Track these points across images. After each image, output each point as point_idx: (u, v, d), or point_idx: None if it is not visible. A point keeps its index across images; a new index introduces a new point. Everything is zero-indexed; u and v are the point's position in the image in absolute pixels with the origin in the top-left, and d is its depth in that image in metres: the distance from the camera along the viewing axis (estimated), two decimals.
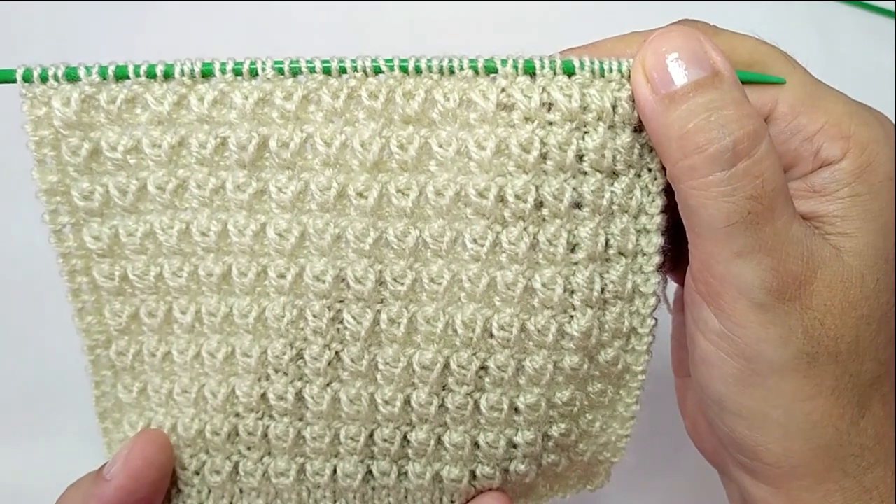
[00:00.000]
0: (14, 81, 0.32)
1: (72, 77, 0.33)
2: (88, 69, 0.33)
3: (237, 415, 0.36)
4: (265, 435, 0.37)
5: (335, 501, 0.38)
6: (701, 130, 0.31)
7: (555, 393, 0.37)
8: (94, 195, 0.34)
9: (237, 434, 0.37)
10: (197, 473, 0.37)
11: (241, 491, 0.38)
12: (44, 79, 0.33)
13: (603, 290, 0.35)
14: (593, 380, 0.37)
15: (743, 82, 0.32)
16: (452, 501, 0.39)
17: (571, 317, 0.35)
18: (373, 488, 0.38)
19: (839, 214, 0.33)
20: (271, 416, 0.36)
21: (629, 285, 0.36)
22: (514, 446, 0.37)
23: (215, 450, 0.37)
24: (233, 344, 0.36)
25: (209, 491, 0.38)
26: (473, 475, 0.38)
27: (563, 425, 0.38)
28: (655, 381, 0.40)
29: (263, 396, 0.36)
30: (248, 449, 0.37)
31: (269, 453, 0.37)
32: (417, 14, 0.60)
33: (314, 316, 0.35)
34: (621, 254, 0.36)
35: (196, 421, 0.37)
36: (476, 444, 0.37)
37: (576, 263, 0.35)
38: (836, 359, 0.33)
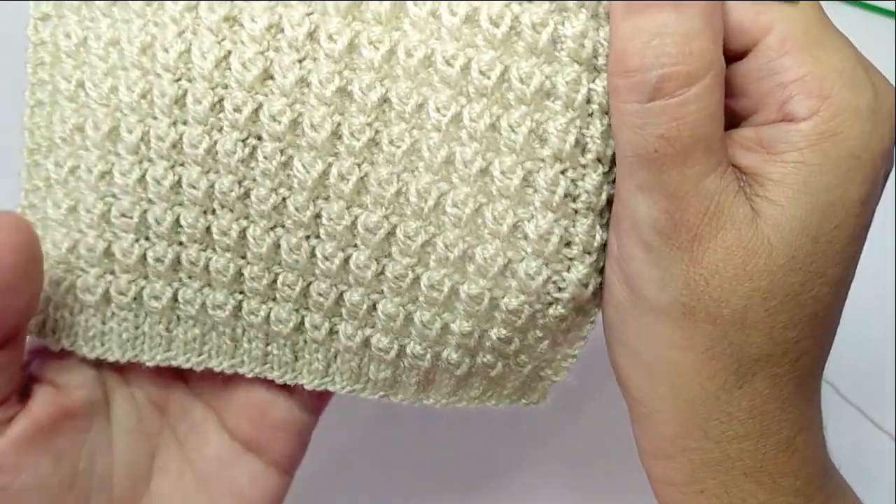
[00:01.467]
0: None
1: None
2: None
3: (181, 243, 0.37)
4: (206, 267, 0.37)
5: (266, 344, 0.39)
6: (636, 54, 0.29)
7: (503, 295, 0.35)
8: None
9: (179, 263, 0.37)
10: (136, 299, 0.38)
11: (178, 318, 0.38)
12: None
13: (575, 198, 0.34)
14: (557, 303, 0.35)
15: None
16: (379, 374, 0.39)
17: (532, 215, 0.34)
18: (304, 341, 0.39)
19: (775, 179, 0.30)
20: (214, 250, 0.37)
21: (604, 196, 0.34)
22: (450, 333, 0.36)
23: (157, 276, 0.37)
24: (180, 173, 0.35)
25: (146, 315, 0.38)
26: (403, 350, 0.37)
27: (504, 331, 0.36)
28: None
29: (208, 230, 0.36)
30: (189, 278, 0.37)
31: (209, 285, 0.38)
32: None
33: (265, 157, 0.35)
34: (598, 160, 0.33)
35: (136, 246, 0.37)
36: (410, 319, 0.36)
37: (542, 160, 0.33)
38: (714, 321, 0.31)
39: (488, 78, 0.32)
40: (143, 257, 0.37)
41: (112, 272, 0.37)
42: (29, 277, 0.34)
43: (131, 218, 0.36)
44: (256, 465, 0.40)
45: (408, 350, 0.37)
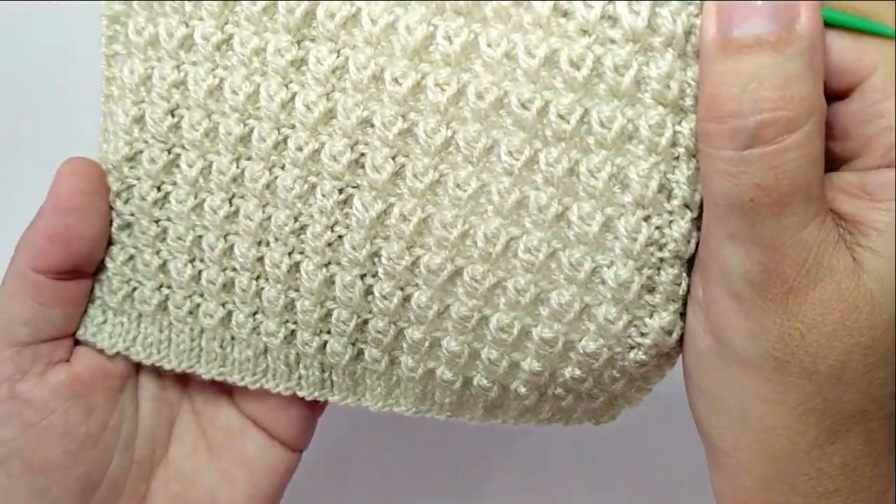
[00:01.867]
0: None
1: None
2: None
3: (234, 269, 0.37)
4: (258, 295, 0.37)
5: (323, 371, 0.39)
6: (731, 99, 0.27)
7: (580, 339, 0.33)
8: (145, 32, 0.35)
9: (232, 287, 0.37)
10: (191, 314, 0.38)
11: (232, 338, 0.39)
12: None
13: (662, 246, 0.32)
14: (636, 349, 0.33)
15: (847, 26, 0.28)
16: (445, 398, 0.38)
17: (611, 262, 0.32)
18: (363, 370, 0.38)
19: (879, 228, 0.28)
20: (266, 280, 0.37)
21: (693, 244, 0.32)
22: (519, 370, 0.35)
23: (210, 296, 0.38)
24: (237, 204, 0.36)
25: (201, 331, 0.39)
26: (469, 382, 0.36)
27: (578, 371, 0.34)
28: None
29: (260, 260, 0.36)
30: (242, 303, 0.37)
31: (262, 312, 0.37)
32: None
33: (323, 195, 0.34)
34: (686, 206, 0.31)
35: (189, 267, 0.37)
36: (476, 356, 0.35)
37: (623, 206, 0.31)
38: (809, 377, 0.29)
39: (567, 122, 0.31)
40: (197, 277, 0.37)
41: (168, 286, 0.38)
42: (95, 206, 0.36)
43: (185, 241, 0.37)
44: (263, 439, 0.41)
45: (474, 382, 0.36)
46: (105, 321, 0.39)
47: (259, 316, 0.37)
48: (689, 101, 0.30)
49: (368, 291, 0.35)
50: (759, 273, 0.28)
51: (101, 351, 0.39)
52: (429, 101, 0.32)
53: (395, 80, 0.32)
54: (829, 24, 0.28)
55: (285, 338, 0.37)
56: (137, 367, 0.40)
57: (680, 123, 0.31)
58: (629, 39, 0.30)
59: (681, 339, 0.34)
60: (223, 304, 0.38)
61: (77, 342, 0.38)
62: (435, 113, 0.32)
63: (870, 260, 0.28)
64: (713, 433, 0.33)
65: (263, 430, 0.41)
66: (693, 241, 0.32)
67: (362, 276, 0.35)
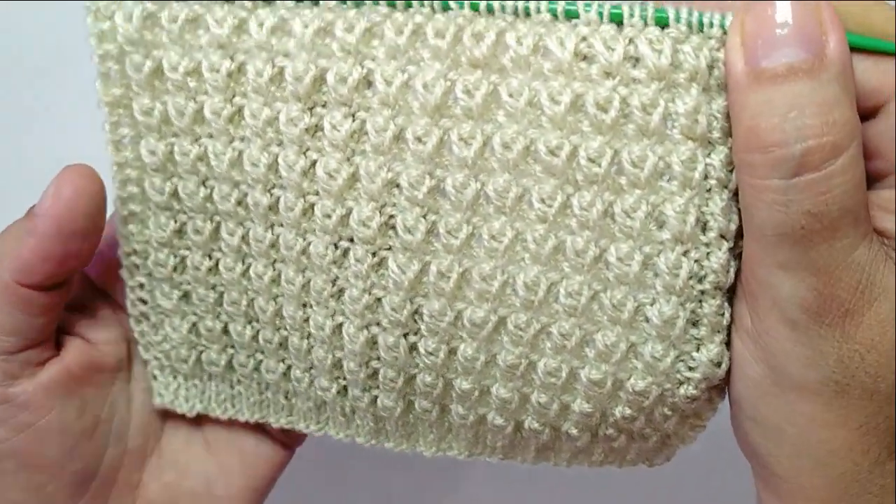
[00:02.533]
0: None
1: None
2: None
3: (286, 329, 0.37)
4: (309, 352, 0.37)
5: (377, 422, 0.39)
6: (773, 129, 0.27)
7: (629, 377, 0.33)
8: (154, 112, 0.34)
9: (287, 346, 0.38)
10: (256, 370, 0.39)
11: (293, 390, 0.39)
12: None
13: (701, 279, 0.31)
14: (687, 383, 0.33)
15: (870, 49, 0.28)
16: (497, 442, 0.38)
17: (653, 300, 0.32)
18: (415, 419, 0.38)
19: None
20: (314, 339, 0.37)
21: (731, 273, 0.32)
22: (569, 412, 0.35)
23: (270, 354, 0.38)
24: (279, 269, 0.36)
25: (267, 385, 0.40)
26: (520, 425, 0.36)
27: (629, 411, 0.34)
28: None
29: (307, 321, 0.36)
30: (297, 360, 0.38)
31: (314, 368, 0.38)
32: None
33: (356, 260, 0.34)
34: (722, 237, 0.31)
35: (248, 328, 0.38)
36: (526, 400, 0.35)
37: (661, 243, 0.31)
38: (871, 397, 0.29)
39: (598, 165, 0.30)
40: (256, 336, 0.38)
41: (232, 346, 0.39)
42: (97, 225, 0.35)
43: (240, 305, 0.37)
44: (260, 434, 0.43)
45: (525, 425, 0.36)
46: (178, 386, 0.40)
47: (313, 371, 0.38)
48: (716, 134, 0.30)
49: (413, 349, 0.35)
50: (814, 300, 0.28)
51: (92, 344, 0.38)
52: (454, 156, 0.32)
53: (419, 139, 0.32)
54: (851, 49, 0.28)
55: (338, 392, 0.38)
56: (129, 357, 0.40)
57: (709, 156, 0.31)
58: (654, 78, 0.29)
59: (729, 370, 0.33)
60: (282, 361, 0.39)
61: (63, 332, 0.38)
62: (462, 167, 0.32)
63: None
64: (770, 460, 0.32)
65: (260, 425, 0.42)
66: (731, 270, 0.32)
67: (405, 335, 0.35)
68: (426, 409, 0.37)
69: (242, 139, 0.34)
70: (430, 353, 0.34)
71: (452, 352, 0.35)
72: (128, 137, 0.35)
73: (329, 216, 0.33)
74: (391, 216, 0.33)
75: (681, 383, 0.33)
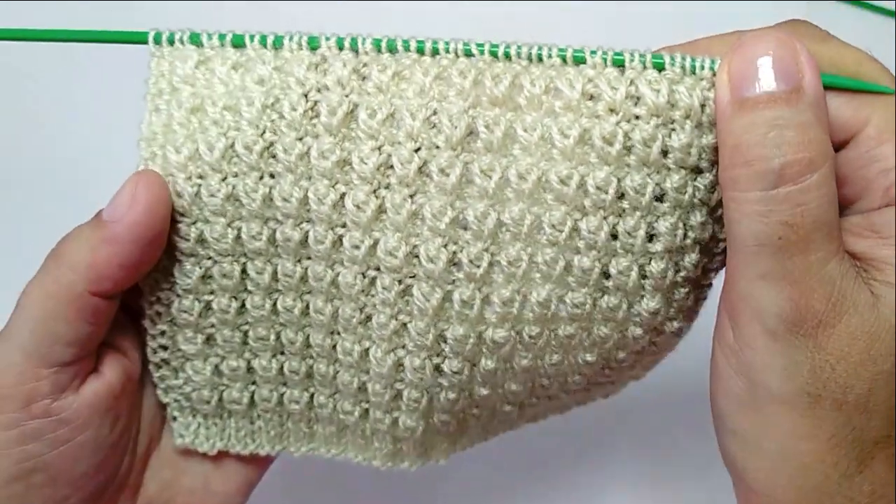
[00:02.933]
0: (145, 42, 0.36)
1: (195, 41, 0.36)
2: (209, 35, 0.36)
3: (312, 357, 0.39)
4: (334, 378, 0.39)
5: (395, 443, 0.41)
6: (755, 145, 0.30)
7: (616, 355, 0.38)
8: (183, 148, 0.35)
9: (312, 374, 0.40)
10: (279, 403, 0.41)
11: (316, 417, 0.41)
12: (171, 42, 0.36)
13: (676, 273, 0.36)
14: (650, 352, 0.39)
15: (841, 87, 0.32)
16: (503, 427, 0.43)
17: (642, 296, 0.36)
18: (434, 433, 0.41)
19: (890, 262, 0.31)
20: (340, 364, 0.39)
21: (700, 269, 0.37)
22: (566, 385, 0.40)
23: (294, 384, 0.40)
24: (307, 300, 0.38)
25: (289, 415, 0.41)
26: (522, 406, 0.41)
27: (607, 371, 0.40)
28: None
29: (334, 348, 0.38)
30: (322, 386, 0.40)
31: (339, 392, 0.40)
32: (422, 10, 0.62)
33: (383, 288, 0.36)
34: (696, 243, 0.36)
35: (273, 361, 0.39)
36: (534, 388, 0.40)
37: (653, 253, 0.35)
38: (840, 408, 0.31)
39: (606, 192, 0.34)
40: (281, 369, 0.40)
41: (254, 382, 0.40)
42: (167, 231, 0.35)
43: (268, 341, 0.39)
44: None
45: (526, 403, 0.42)
46: (199, 426, 0.41)
47: (337, 396, 0.40)
48: (704, 164, 0.34)
49: (437, 369, 0.37)
50: (790, 310, 0.31)
51: (122, 353, 0.38)
52: (476, 187, 0.34)
53: (442, 171, 0.34)
54: (825, 86, 0.32)
55: (360, 416, 0.40)
56: (145, 364, 0.40)
57: (696, 180, 0.34)
58: (653, 114, 0.33)
59: (678, 331, 0.39)
60: (306, 389, 0.40)
61: (102, 345, 0.37)
62: (483, 198, 0.35)
63: (886, 292, 0.31)
64: (748, 474, 0.34)
65: None
66: (700, 267, 0.37)
67: (430, 357, 0.37)
68: (445, 422, 0.40)
69: (273, 175, 0.35)
70: (455, 373, 0.37)
71: (474, 367, 0.37)
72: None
73: (357, 247, 0.35)
74: (415, 246, 0.35)
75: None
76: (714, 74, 0.33)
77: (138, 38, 0.36)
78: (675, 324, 0.38)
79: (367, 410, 0.40)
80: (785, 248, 0.30)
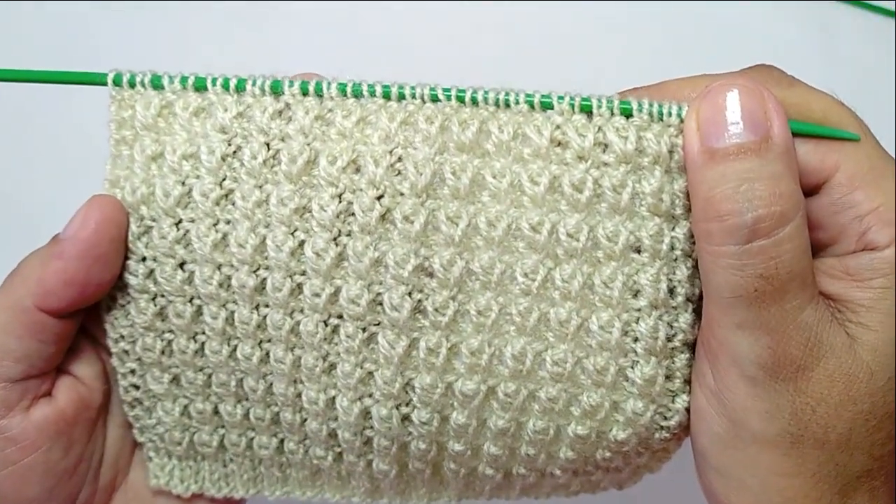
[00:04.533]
0: (104, 84, 0.35)
1: (156, 84, 0.35)
2: (171, 78, 0.35)
3: (277, 404, 0.38)
4: (302, 426, 0.38)
5: (372, 481, 0.40)
6: (726, 199, 0.30)
7: (611, 429, 0.35)
8: (138, 192, 0.35)
9: (278, 421, 0.38)
10: (248, 447, 0.39)
11: (288, 462, 0.40)
12: (131, 84, 0.35)
13: (671, 338, 0.34)
14: (662, 430, 0.36)
15: (810, 134, 0.32)
16: (486, 486, 0.40)
17: (634, 362, 0.34)
18: (410, 477, 0.40)
19: (865, 305, 0.31)
20: (307, 413, 0.37)
21: (696, 330, 0.35)
22: (556, 460, 0.37)
23: (262, 430, 0.39)
24: (266, 349, 0.36)
25: (260, 460, 0.40)
26: (509, 473, 0.38)
27: (608, 454, 0.36)
28: None
29: (299, 396, 0.37)
30: (290, 433, 0.38)
31: (309, 438, 0.38)
32: (418, 14, 0.62)
33: (347, 336, 0.35)
34: (688, 300, 0.34)
35: (238, 407, 0.38)
36: (515, 454, 0.37)
37: (638, 310, 0.34)
38: (822, 446, 0.31)
39: (577, 240, 0.33)
40: (247, 414, 0.38)
41: (222, 426, 0.39)
42: (120, 256, 0.35)
43: (230, 386, 0.38)
44: None
45: (513, 472, 0.38)
46: (173, 468, 0.40)
47: (307, 442, 0.39)
48: (678, 210, 0.34)
49: (406, 419, 0.36)
50: (769, 357, 0.31)
51: (81, 381, 0.38)
52: (442, 235, 0.34)
53: (406, 219, 0.34)
54: (793, 133, 0.32)
55: (334, 459, 0.39)
56: (108, 395, 0.39)
57: (674, 229, 0.34)
58: (622, 161, 0.33)
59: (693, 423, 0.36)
60: (274, 435, 0.39)
61: (58, 371, 0.37)
62: (449, 245, 0.34)
63: (862, 334, 0.31)
64: None
65: None
66: (696, 328, 0.35)
67: (398, 407, 0.36)
68: (420, 469, 0.38)
69: (228, 222, 0.35)
70: (424, 423, 0.36)
71: (445, 419, 0.36)
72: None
73: (318, 295, 0.34)
74: (378, 293, 0.34)
75: (658, 430, 0.35)
76: (681, 121, 0.33)
77: (97, 80, 0.35)
78: (686, 398, 0.35)
79: (340, 454, 0.39)
80: (760, 298, 0.30)
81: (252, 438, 0.39)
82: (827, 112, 0.33)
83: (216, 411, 0.39)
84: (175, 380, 0.38)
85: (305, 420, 0.37)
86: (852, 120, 0.33)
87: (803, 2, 0.56)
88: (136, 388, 0.38)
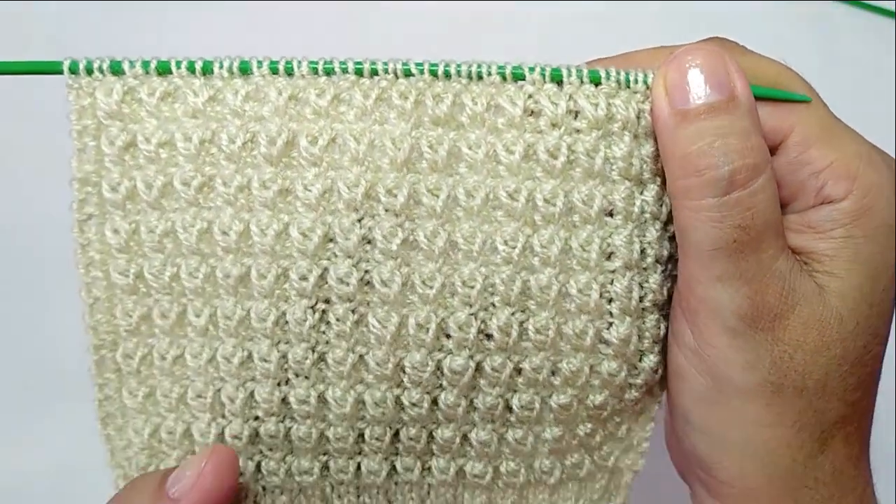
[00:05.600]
0: (60, 72, 0.33)
1: (116, 70, 0.34)
2: (132, 63, 0.34)
3: (257, 418, 0.36)
4: (287, 436, 0.36)
5: (359, 496, 0.39)
6: (702, 154, 0.32)
7: (588, 395, 0.37)
8: (121, 187, 0.34)
9: (258, 436, 0.36)
10: None
11: (263, 489, 0.38)
12: (89, 71, 0.34)
13: (642, 298, 0.36)
14: (632, 388, 0.37)
15: (765, 98, 0.33)
16: (473, 498, 0.39)
17: (610, 323, 0.35)
18: (396, 483, 0.38)
19: (829, 254, 0.33)
20: (293, 419, 0.36)
21: (666, 292, 0.36)
22: (542, 442, 0.37)
23: (236, 452, 0.36)
24: (249, 348, 0.35)
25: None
26: (497, 471, 0.38)
27: (589, 425, 0.38)
28: None
29: (284, 400, 0.36)
30: (271, 450, 0.37)
31: (292, 452, 0.37)
32: (417, 12, 0.61)
33: (337, 319, 0.35)
34: (657, 262, 0.36)
35: (213, 425, 0.36)
36: (504, 441, 0.37)
37: (613, 271, 0.35)
38: (801, 393, 0.33)
39: (554, 205, 0.34)
40: (221, 436, 0.36)
41: (192, 452, 0.37)
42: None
43: (206, 398, 0.36)
44: None
45: (502, 469, 0.38)
46: None
47: (290, 457, 0.37)
48: (647, 174, 0.35)
49: (398, 402, 0.36)
50: (748, 307, 0.33)
51: None
52: (424, 207, 0.34)
53: (390, 192, 0.34)
54: None
55: (320, 471, 0.37)
56: None
57: (643, 193, 0.35)
58: (593, 127, 0.34)
59: (664, 377, 0.38)
60: (251, 458, 0.37)
61: None
62: (431, 217, 0.34)
63: (829, 282, 0.33)
64: (717, 469, 0.35)
65: None
66: (665, 289, 0.36)
67: (390, 389, 0.36)
68: (408, 467, 0.38)
69: (211, 209, 0.34)
70: (414, 405, 0.36)
71: (434, 402, 0.36)
72: (93, 217, 0.35)
73: (306, 278, 0.34)
74: (366, 271, 0.34)
75: (628, 388, 0.37)
76: (647, 88, 0.34)
77: (52, 68, 0.34)
78: (651, 359, 0.37)
79: (326, 464, 0.37)
80: (739, 249, 0.32)
81: None
82: (779, 77, 0.35)
83: (188, 433, 0.37)
84: (150, 395, 0.37)
85: (290, 428, 0.36)
86: (802, 84, 0.35)
87: (803, 2, 0.57)
88: (111, 400, 0.37)
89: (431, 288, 0.35)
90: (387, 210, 0.34)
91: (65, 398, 0.54)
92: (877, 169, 0.34)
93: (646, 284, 0.36)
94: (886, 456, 0.61)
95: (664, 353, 0.37)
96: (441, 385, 0.36)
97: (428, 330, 0.35)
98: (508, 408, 0.37)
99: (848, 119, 0.36)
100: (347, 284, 0.34)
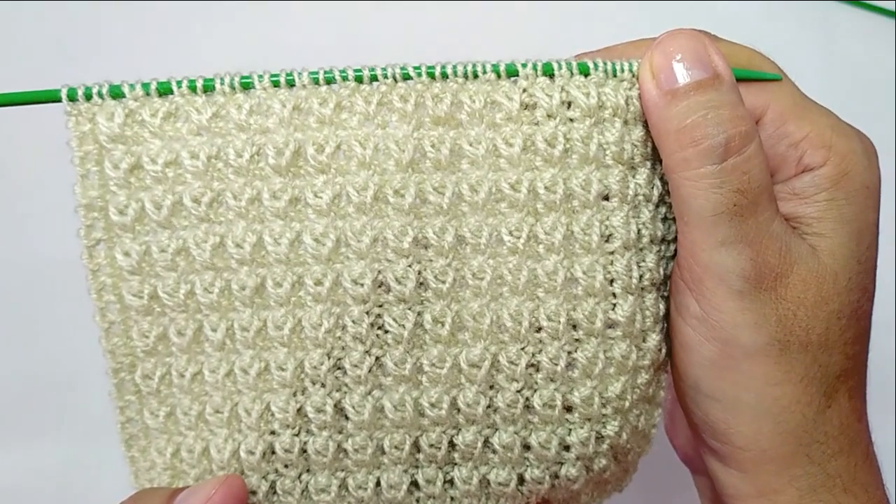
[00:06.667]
0: (58, 100, 0.33)
1: (115, 94, 0.34)
2: (132, 86, 0.34)
3: (272, 432, 0.36)
4: (303, 451, 0.36)
5: None
6: (697, 126, 0.34)
7: (607, 386, 0.37)
8: (129, 210, 0.34)
9: (273, 452, 0.36)
10: None
11: None
12: (88, 96, 0.33)
13: (641, 277, 0.37)
14: (641, 370, 0.38)
15: (741, 79, 0.35)
16: None
17: (614, 304, 0.37)
18: (417, 500, 0.38)
19: (816, 216, 0.36)
20: (309, 431, 0.36)
21: (662, 271, 0.38)
22: (567, 448, 0.37)
23: (251, 469, 0.36)
24: (266, 359, 0.35)
25: None
26: (522, 479, 0.38)
27: (615, 423, 0.38)
28: None
29: (300, 411, 0.36)
30: (286, 467, 0.36)
31: (308, 469, 0.36)
32: (416, 14, 0.62)
33: (353, 322, 0.35)
34: (652, 242, 0.37)
35: (229, 441, 0.36)
36: (527, 446, 0.37)
37: (612, 252, 0.36)
38: (806, 348, 0.35)
39: (554, 192, 0.36)
40: (236, 453, 0.36)
41: (210, 472, 0.36)
42: None
43: (223, 413, 0.36)
44: None
45: (527, 476, 0.38)
46: None
47: (305, 475, 0.36)
48: (637, 158, 0.37)
49: (416, 405, 0.36)
50: (751, 269, 0.34)
51: None
52: (431, 205, 0.35)
53: (397, 193, 0.35)
54: None
55: (339, 488, 0.37)
56: None
57: (635, 176, 0.37)
58: (586, 116, 0.36)
59: (668, 354, 0.39)
60: (265, 476, 0.36)
61: None
62: (438, 214, 0.35)
63: (819, 242, 0.36)
64: (731, 434, 0.36)
65: None
66: (661, 268, 0.38)
67: (409, 391, 0.36)
68: (430, 479, 0.37)
69: (222, 223, 0.34)
70: (434, 406, 0.36)
71: (454, 402, 0.36)
72: (102, 242, 0.35)
73: (321, 283, 0.34)
74: (380, 272, 0.35)
75: (639, 371, 0.38)
76: (633, 75, 0.36)
77: (49, 97, 0.33)
78: (654, 337, 0.38)
79: (345, 480, 0.37)
80: (739, 212, 0.34)
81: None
82: (751, 59, 0.37)
83: (206, 452, 0.36)
84: (171, 414, 0.36)
85: (307, 442, 0.36)
86: (772, 66, 0.38)
87: (803, 2, 0.58)
88: (131, 420, 0.37)
89: (444, 283, 0.35)
90: (396, 210, 0.35)
91: (65, 402, 0.54)
92: (849, 137, 0.37)
93: (643, 264, 0.37)
94: (886, 456, 0.63)
95: (665, 333, 0.39)
96: (460, 383, 0.36)
97: (444, 324, 0.35)
98: (529, 406, 0.37)
99: (848, 119, 0.38)
100: (362, 286, 0.35)
